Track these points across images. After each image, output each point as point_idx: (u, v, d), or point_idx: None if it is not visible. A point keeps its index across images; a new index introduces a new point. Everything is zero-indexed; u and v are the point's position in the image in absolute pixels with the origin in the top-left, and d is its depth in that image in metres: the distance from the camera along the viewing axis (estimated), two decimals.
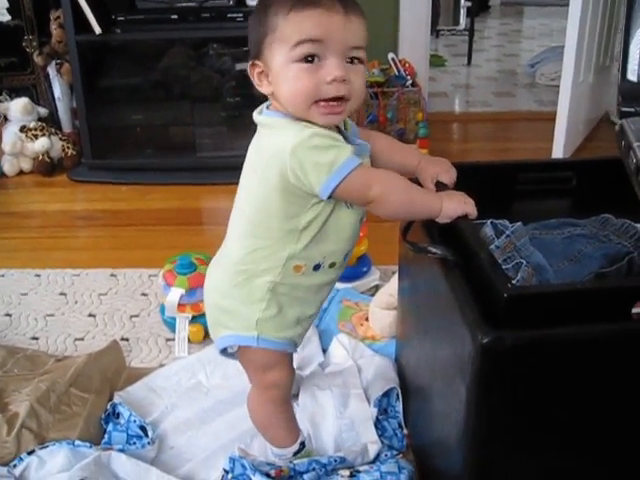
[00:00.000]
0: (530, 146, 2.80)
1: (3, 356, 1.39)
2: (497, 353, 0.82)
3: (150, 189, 2.41)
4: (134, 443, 1.25)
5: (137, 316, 1.69)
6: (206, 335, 1.55)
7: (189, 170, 2.44)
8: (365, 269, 1.80)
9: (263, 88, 0.99)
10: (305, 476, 1.08)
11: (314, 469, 1.10)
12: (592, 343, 0.83)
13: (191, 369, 1.47)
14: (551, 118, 2.55)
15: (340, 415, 1.29)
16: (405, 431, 1.28)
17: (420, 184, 1.08)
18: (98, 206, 2.33)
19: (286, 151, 0.93)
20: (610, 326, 0.82)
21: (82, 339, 1.60)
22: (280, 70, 0.95)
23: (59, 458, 1.14)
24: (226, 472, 1.13)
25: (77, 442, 1.17)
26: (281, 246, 1.01)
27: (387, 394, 1.32)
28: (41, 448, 1.15)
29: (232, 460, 1.13)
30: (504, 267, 0.89)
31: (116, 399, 1.33)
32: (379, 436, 1.26)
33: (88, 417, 1.26)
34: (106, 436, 1.25)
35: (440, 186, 1.07)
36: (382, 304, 1.57)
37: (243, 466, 1.12)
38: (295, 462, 1.11)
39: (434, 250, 0.97)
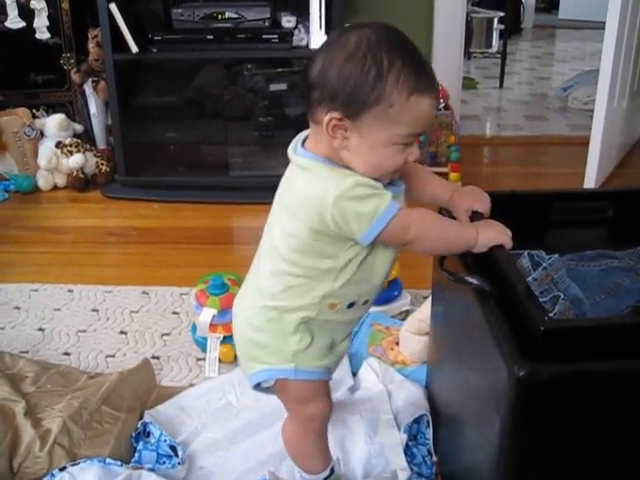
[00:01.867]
0: (562, 171, 2.78)
1: (37, 372, 1.41)
2: (533, 386, 0.81)
3: (182, 207, 2.44)
4: (164, 462, 1.26)
5: (168, 334, 1.70)
6: (237, 355, 1.56)
7: (221, 189, 2.46)
8: (396, 293, 1.79)
9: (334, 141, 0.95)
10: None
11: None
12: (629, 378, 0.82)
13: (221, 389, 1.47)
14: (584, 143, 2.53)
15: (370, 440, 1.29)
16: (434, 458, 1.27)
17: (455, 217, 1.08)
18: (130, 223, 2.36)
19: (327, 200, 0.93)
20: None
21: (113, 356, 1.62)
22: (376, 144, 0.94)
23: (90, 475, 1.14)
24: None
25: (108, 460, 1.18)
26: (317, 284, 1.01)
27: (417, 421, 1.31)
28: (72, 465, 1.16)
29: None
30: (541, 300, 0.88)
31: (147, 418, 1.34)
32: (408, 463, 1.25)
33: (119, 435, 1.27)
34: (136, 455, 1.26)
35: (476, 216, 1.07)
36: (413, 329, 1.56)
37: None
38: None
39: (471, 280, 0.96)
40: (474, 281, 0.96)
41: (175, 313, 1.80)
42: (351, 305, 1.04)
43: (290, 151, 1.03)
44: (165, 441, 1.27)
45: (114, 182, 2.54)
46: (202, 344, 1.60)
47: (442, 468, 1.25)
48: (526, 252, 0.99)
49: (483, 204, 1.08)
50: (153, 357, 1.61)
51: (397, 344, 1.60)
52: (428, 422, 1.30)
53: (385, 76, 0.91)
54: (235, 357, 1.56)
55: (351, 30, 0.94)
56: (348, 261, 0.99)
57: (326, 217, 0.94)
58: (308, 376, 1.06)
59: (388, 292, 1.76)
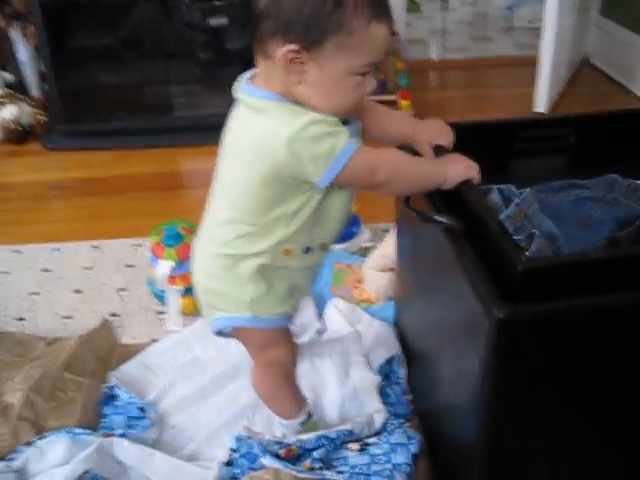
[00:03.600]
0: (512, 92, 2.75)
1: None
2: (513, 327, 0.80)
3: (127, 154, 2.33)
4: (134, 425, 1.22)
5: (125, 290, 1.65)
6: (198, 307, 1.52)
7: (166, 132, 2.36)
8: (355, 229, 1.76)
9: (289, 77, 0.88)
10: (315, 453, 1.06)
11: (323, 445, 1.08)
12: (610, 313, 0.81)
13: (186, 343, 1.44)
14: (531, 62, 2.49)
15: (342, 384, 1.28)
16: (408, 397, 1.27)
17: (417, 153, 1.04)
18: (74, 174, 2.24)
19: (280, 143, 0.87)
20: (628, 294, 0.80)
21: (70, 317, 1.55)
22: (336, 77, 0.88)
23: (59, 448, 1.10)
24: (233, 451, 1.11)
25: (77, 430, 1.14)
26: (270, 231, 0.96)
27: (389, 360, 1.30)
28: (40, 439, 1.12)
29: (238, 439, 1.11)
30: (516, 238, 0.85)
31: (112, 380, 1.30)
32: (383, 403, 1.24)
33: (85, 402, 1.23)
34: (105, 420, 1.22)
35: (439, 150, 1.04)
36: (376, 266, 1.54)
37: (250, 445, 1.10)
38: (303, 439, 1.09)
39: (440, 219, 0.93)
40: (443, 220, 0.93)
41: (130, 266, 1.73)
42: (307, 250, 1.00)
43: (240, 92, 0.95)
44: (134, 403, 1.23)
45: (54, 132, 2.40)
46: (161, 297, 1.55)
47: (417, 405, 1.25)
48: (495, 187, 0.96)
49: (446, 137, 1.05)
50: (112, 314, 1.56)
51: (360, 282, 1.59)
52: (400, 361, 1.29)
53: (344, 2, 0.84)
54: (197, 309, 1.52)
55: None
56: (301, 205, 0.95)
57: (279, 162, 0.89)
58: (265, 324, 1.04)
59: (347, 229, 1.72)
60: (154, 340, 1.47)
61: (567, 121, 1.23)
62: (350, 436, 1.12)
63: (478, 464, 0.93)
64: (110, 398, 1.26)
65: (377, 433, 1.16)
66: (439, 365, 1.09)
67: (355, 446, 1.09)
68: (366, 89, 0.92)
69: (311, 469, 1.02)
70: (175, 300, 1.50)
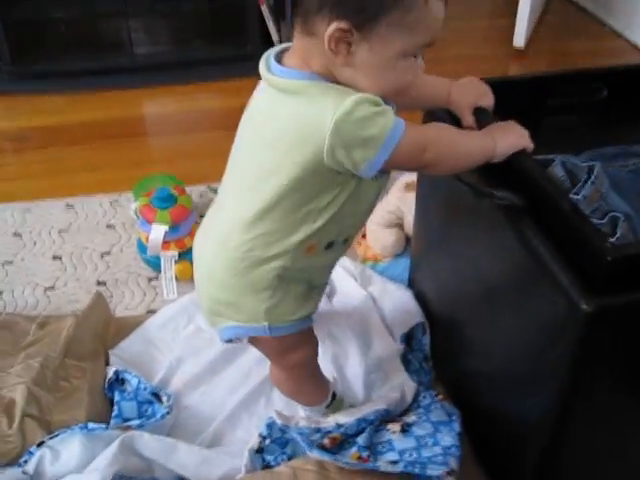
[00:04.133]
0: (492, 24, 2.64)
1: None
2: (601, 321, 0.74)
3: (84, 97, 2.11)
4: (146, 410, 1.14)
5: (109, 254, 1.52)
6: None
7: (127, 71, 2.16)
8: None
9: (335, 58, 0.79)
10: (359, 439, 1.00)
11: (364, 429, 1.02)
12: None
13: (186, 312, 1.34)
14: None
15: (365, 355, 1.22)
16: (430, 364, 1.23)
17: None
18: (28, 122, 2.03)
19: (325, 128, 0.77)
20: None
21: (53, 288, 1.43)
22: (389, 59, 0.79)
23: (74, 447, 1.01)
24: (263, 438, 1.04)
25: (90, 425, 1.04)
26: (295, 228, 0.86)
27: (412, 328, 1.25)
28: (51, 437, 1.02)
29: (269, 426, 1.04)
30: (596, 221, 0.79)
31: (115, 362, 1.20)
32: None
33: (91, 389, 1.13)
34: (115, 408, 1.13)
35: (480, 112, 0.96)
36: (382, 222, 1.47)
37: (282, 430, 1.03)
38: (342, 423, 1.03)
39: (501, 195, 0.85)
40: (506, 195, 0.85)
41: (110, 227, 1.60)
42: (330, 245, 0.90)
43: (264, 70, 0.84)
44: (145, 388, 1.14)
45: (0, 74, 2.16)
46: (154, 263, 1.44)
47: (439, 373, 1.21)
48: (558, 158, 0.88)
49: (487, 97, 0.97)
50: (98, 283, 1.44)
51: (364, 237, 1.51)
52: (424, 329, 1.24)
53: None
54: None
55: None
56: (332, 199, 0.85)
57: (320, 149, 0.79)
58: (284, 331, 0.95)
59: None
60: (150, 311, 1.38)
61: (596, 75, 1.16)
62: (387, 415, 1.07)
63: (537, 453, 0.89)
64: (117, 382, 1.17)
65: (408, 408, 1.12)
66: (485, 339, 1.03)
67: (396, 427, 1.04)
68: (417, 71, 0.83)
69: (359, 458, 0.96)
70: (169, 266, 1.40)
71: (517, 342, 0.90)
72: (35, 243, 1.55)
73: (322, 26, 0.77)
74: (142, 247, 1.45)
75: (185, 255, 1.40)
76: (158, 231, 1.37)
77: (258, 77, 0.87)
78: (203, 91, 2.09)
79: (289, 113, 0.82)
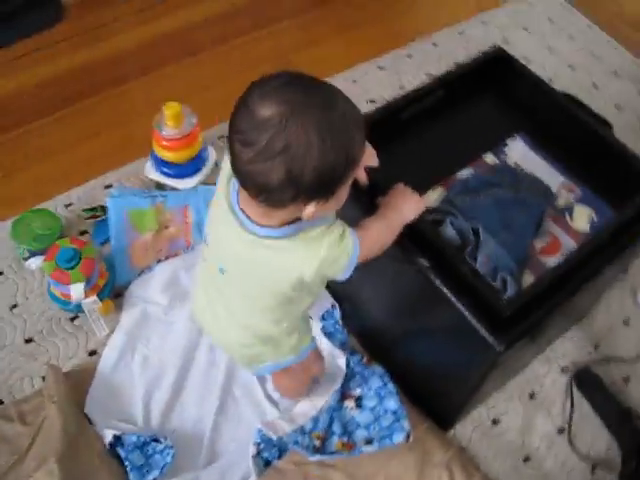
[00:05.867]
0: None
1: None
2: (507, 350, 1.11)
3: None
4: (148, 450, 1.36)
5: (16, 306, 1.58)
6: (114, 304, 1.57)
7: None
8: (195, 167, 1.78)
9: (305, 215, 0.94)
10: (334, 427, 1.35)
11: (332, 416, 1.37)
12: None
13: (128, 348, 1.51)
14: None
15: None
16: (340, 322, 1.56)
17: None
18: None
19: (308, 273, 0.98)
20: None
21: None
22: (341, 193, 0.95)
23: None
24: (258, 444, 1.35)
25: None
26: (299, 307, 1.13)
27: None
28: None
29: (260, 431, 1.34)
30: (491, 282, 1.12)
31: (96, 421, 1.38)
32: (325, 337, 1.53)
33: (100, 457, 1.32)
34: (127, 464, 1.33)
35: (371, 171, 1.18)
36: None
37: (270, 440, 1.34)
38: (313, 416, 1.36)
39: (416, 261, 1.14)
40: (423, 262, 1.14)
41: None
42: None
43: (242, 230, 0.99)
44: (146, 442, 1.36)
45: None
46: (66, 303, 1.53)
47: (350, 328, 1.55)
48: (448, 220, 1.17)
49: (374, 158, 1.17)
50: (29, 340, 1.53)
51: None
52: (334, 305, 1.55)
53: (353, 145, 0.90)
54: (112, 307, 1.56)
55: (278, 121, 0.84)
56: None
57: (307, 281, 1.00)
58: (307, 352, 1.24)
59: (188, 166, 1.75)
60: (91, 352, 1.52)
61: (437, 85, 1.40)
62: (338, 392, 1.41)
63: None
64: (114, 441, 1.36)
65: (347, 377, 1.46)
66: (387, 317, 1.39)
67: (350, 403, 1.40)
68: None
69: (343, 445, 1.32)
70: (94, 310, 1.52)
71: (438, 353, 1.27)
72: None
73: (298, 207, 0.92)
74: (58, 300, 1.54)
75: (102, 294, 1.53)
76: (77, 290, 1.47)
77: None
78: None
79: (272, 264, 1.00)
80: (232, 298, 1.14)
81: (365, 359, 1.48)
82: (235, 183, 0.99)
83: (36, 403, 1.41)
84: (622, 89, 2.18)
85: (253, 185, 0.90)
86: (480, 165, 1.34)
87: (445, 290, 1.13)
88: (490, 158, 1.35)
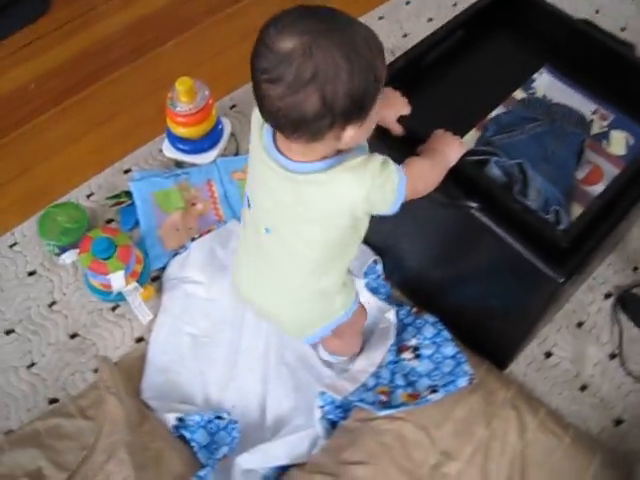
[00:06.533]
0: None
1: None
2: (567, 281, 1.11)
3: None
4: (212, 428, 1.35)
5: (55, 303, 1.57)
6: (155, 289, 1.56)
7: None
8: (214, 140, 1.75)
9: (347, 143, 0.92)
10: (396, 381, 1.36)
11: (392, 371, 1.38)
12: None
13: (174, 329, 1.50)
14: None
15: None
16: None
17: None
18: None
19: (356, 202, 0.96)
20: None
21: (33, 365, 1.48)
22: (373, 115, 0.93)
23: None
24: (322, 407, 1.36)
25: (201, 474, 1.27)
26: (348, 255, 1.12)
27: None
28: None
29: (323, 395, 1.34)
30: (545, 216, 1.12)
31: (155, 405, 1.38)
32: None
33: (164, 440, 1.33)
34: (194, 445, 1.33)
35: (403, 119, 1.18)
36: None
37: (333, 401, 1.35)
38: (375, 372, 1.37)
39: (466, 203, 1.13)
40: (469, 203, 1.13)
41: (34, 274, 1.60)
42: None
43: (285, 174, 0.97)
44: (210, 420, 1.35)
45: None
46: (104, 293, 1.53)
47: (392, 281, 1.56)
48: (492, 161, 1.16)
49: (406, 107, 1.18)
50: (73, 335, 1.52)
51: None
52: (376, 261, 1.55)
53: (377, 66, 0.88)
54: (154, 292, 1.56)
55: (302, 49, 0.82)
56: (360, 235, 1.09)
57: (357, 213, 0.99)
58: (354, 307, 1.22)
59: (203, 141, 1.72)
60: (138, 339, 1.52)
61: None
62: (394, 346, 1.42)
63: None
64: (178, 424, 1.36)
65: (401, 330, 1.46)
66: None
67: (408, 354, 1.40)
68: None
69: (409, 396, 1.33)
70: (136, 296, 1.51)
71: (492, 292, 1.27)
72: None
73: (333, 133, 0.89)
74: (97, 291, 1.53)
75: (140, 280, 1.52)
76: (118, 279, 1.46)
77: None
78: None
79: (318, 199, 0.98)
80: (281, 260, 1.12)
81: (414, 310, 1.48)
82: (268, 130, 0.98)
83: (94, 397, 1.41)
84: (627, 13, 2.15)
85: (288, 122, 0.88)
86: (510, 103, 1.32)
87: (498, 230, 1.13)
88: (519, 94, 1.33)
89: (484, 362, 1.41)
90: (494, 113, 1.30)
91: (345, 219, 1.00)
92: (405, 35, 2.02)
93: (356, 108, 0.88)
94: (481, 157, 1.17)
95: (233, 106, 1.87)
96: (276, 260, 1.13)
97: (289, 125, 0.88)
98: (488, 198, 1.13)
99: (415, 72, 1.33)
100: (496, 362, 1.43)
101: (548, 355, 1.50)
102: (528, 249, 1.11)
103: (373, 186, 0.95)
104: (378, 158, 0.97)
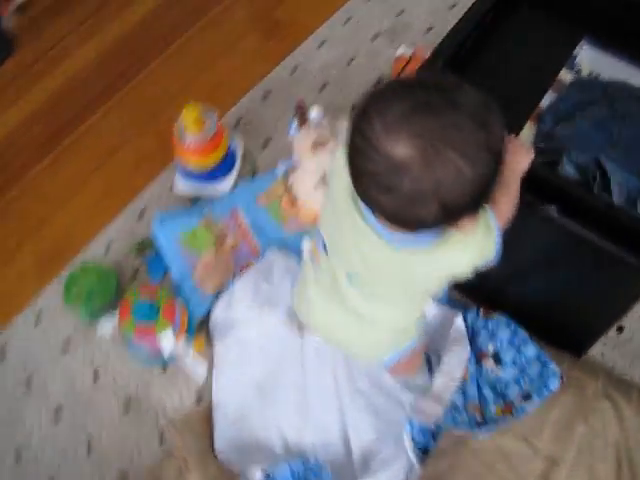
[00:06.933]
0: None
1: None
2: None
3: None
4: (304, 472, 1.30)
5: (99, 377, 1.47)
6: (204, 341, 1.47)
7: None
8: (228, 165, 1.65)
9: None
10: (485, 394, 1.30)
11: (477, 383, 1.32)
12: None
13: (235, 380, 1.43)
14: None
15: None
16: None
17: None
18: None
19: (461, 270, 0.90)
20: None
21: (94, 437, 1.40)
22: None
23: None
24: (410, 434, 1.29)
25: None
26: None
27: None
28: None
29: (411, 425, 1.29)
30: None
31: (229, 460, 1.32)
32: None
33: None
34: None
35: None
36: (310, 185, 1.52)
37: (422, 427, 1.29)
38: (458, 387, 1.30)
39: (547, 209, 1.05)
40: (551, 210, 1.05)
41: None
42: None
43: (376, 237, 0.88)
44: (293, 464, 1.30)
45: None
46: (147, 360, 1.44)
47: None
48: (564, 157, 1.07)
49: (529, 154, 1.06)
50: (126, 407, 1.43)
51: (293, 202, 1.57)
52: None
53: (495, 143, 0.76)
54: (205, 342, 1.46)
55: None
56: None
57: (458, 276, 0.93)
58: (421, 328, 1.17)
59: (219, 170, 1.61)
60: (199, 399, 1.43)
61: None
62: (471, 355, 1.35)
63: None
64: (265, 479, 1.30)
65: (471, 336, 1.39)
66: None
67: (488, 361, 1.34)
68: None
69: (503, 411, 1.27)
70: (187, 352, 1.42)
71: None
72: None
73: (451, 226, 0.82)
74: (143, 358, 1.43)
75: (189, 332, 1.43)
76: (168, 338, 1.36)
77: None
78: None
79: (421, 271, 0.92)
80: (361, 307, 1.06)
81: (482, 311, 1.41)
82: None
83: (170, 465, 1.33)
84: None
85: (399, 221, 0.81)
86: (559, 87, 1.23)
87: (583, 231, 1.05)
88: (566, 76, 1.24)
89: (564, 355, 1.36)
90: (546, 100, 1.21)
91: (443, 282, 0.96)
92: (401, 12, 1.86)
93: (476, 198, 0.78)
94: (548, 157, 1.09)
95: (239, 120, 1.74)
96: (358, 307, 1.06)
97: (400, 224, 0.81)
98: (564, 200, 1.06)
99: (453, 68, 1.23)
100: (574, 351, 1.38)
101: (620, 329, 1.45)
102: (620, 248, 1.04)
103: (478, 251, 0.90)
104: (481, 224, 0.88)
